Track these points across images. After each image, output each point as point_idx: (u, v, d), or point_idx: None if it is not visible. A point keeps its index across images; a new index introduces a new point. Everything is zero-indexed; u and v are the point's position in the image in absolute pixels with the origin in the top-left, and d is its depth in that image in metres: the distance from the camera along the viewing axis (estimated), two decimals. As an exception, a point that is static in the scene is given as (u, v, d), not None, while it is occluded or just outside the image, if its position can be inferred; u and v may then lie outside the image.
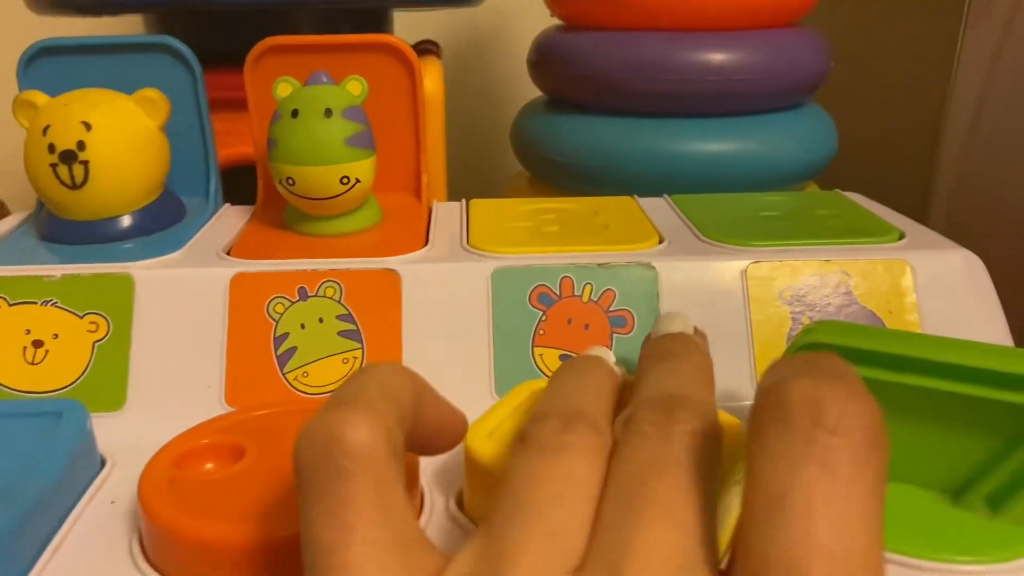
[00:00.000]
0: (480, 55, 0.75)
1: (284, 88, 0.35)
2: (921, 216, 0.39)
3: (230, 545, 0.22)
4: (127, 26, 0.65)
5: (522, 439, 0.20)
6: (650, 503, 0.17)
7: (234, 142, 0.46)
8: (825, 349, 0.25)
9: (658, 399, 0.20)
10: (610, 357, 0.26)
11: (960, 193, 0.50)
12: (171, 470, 0.25)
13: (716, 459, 0.19)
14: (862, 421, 0.16)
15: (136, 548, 0.24)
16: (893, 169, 0.39)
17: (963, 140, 0.51)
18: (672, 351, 0.25)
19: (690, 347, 0.25)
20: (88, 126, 0.34)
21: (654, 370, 0.23)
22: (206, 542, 0.22)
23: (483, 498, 0.25)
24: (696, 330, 0.27)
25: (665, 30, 0.48)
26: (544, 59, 0.54)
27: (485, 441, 0.25)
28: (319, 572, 0.17)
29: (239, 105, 0.45)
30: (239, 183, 0.43)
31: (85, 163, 0.33)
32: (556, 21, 0.55)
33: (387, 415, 0.19)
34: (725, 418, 0.26)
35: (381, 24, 0.53)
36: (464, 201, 0.42)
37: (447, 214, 0.40)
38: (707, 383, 0.23)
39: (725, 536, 0.20)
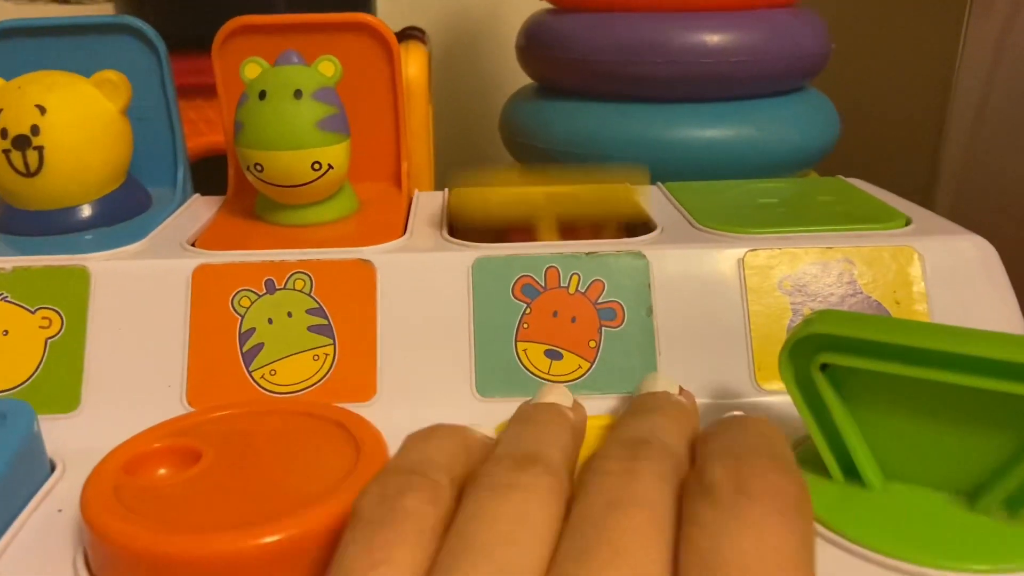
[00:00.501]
0: (470, 44, 0.73)
1: (252, 69, 0.33)
2: (926, 204, 0.37)
3: (179, 559, 0.20)
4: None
5: (474, 479, 0.19)
6: (604, 543, 0.16)
7: (206, 131, 0.44)
8: (828, 340, 0.23)
9: (627, 440, 0.20)
10: (568, 399, 0.25)
11: (966, 180, 0.48)
12: (119, 476, 0.23)
13: (676, 503, 0.18)
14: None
15: (80, 562, 0.22)
16: (897, 156, 0.37)
17: (969, 126, 0.49)
18: (654, 405, 0.24)
19: (671, 402, 0.24)
20: (43, 109, 0.32)
21: (630, 420, 0.23)
22: (153, 556, 0.20)
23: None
24: (681, 390, 0.26)
25: (657, 11, 0.46)
26: (533, 43, 0.52)
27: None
28: None
29: (210, 92, 0.43)
30: (210, 173, 0.41)
31: (39, 149, 0.31)
32: (546, 5, 0.53)
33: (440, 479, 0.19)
34: None
35: (363, 8, 0.51)
36: (447, 190, 0.40)
37: (428, 203, 0.38)
38: (682, 432, 0.22)
39: None
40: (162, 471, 0.24)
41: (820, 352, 0.24)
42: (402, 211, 0.37)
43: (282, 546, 0.21)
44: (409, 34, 0.52)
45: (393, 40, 0.37)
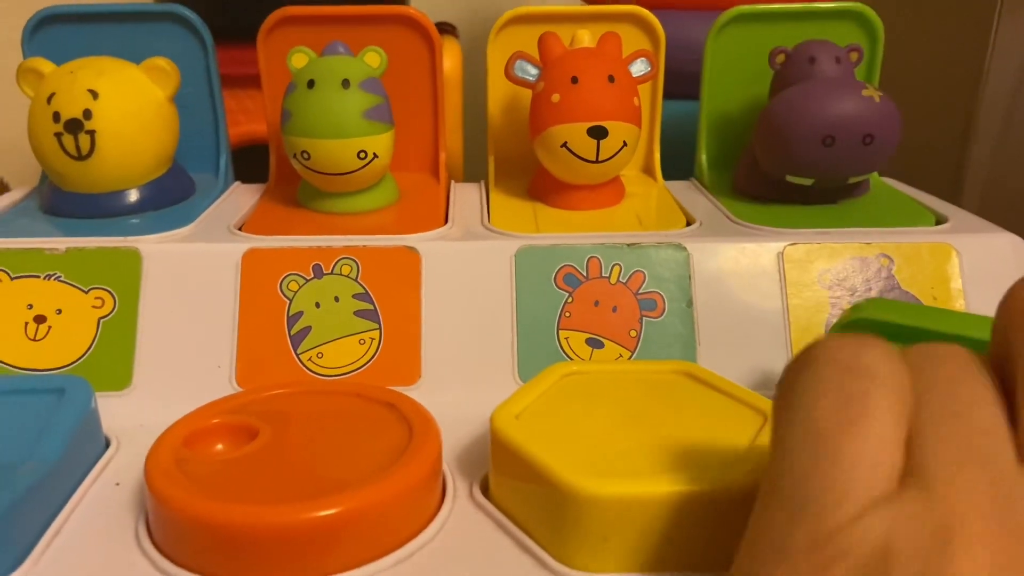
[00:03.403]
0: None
1: (299, 59, 0.34)
2: (952, 202, 0.37)
3: (242, 529, 0.21)
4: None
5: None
6: None
7: (244, 120, 0.45)
8: (875, 326, 0.24)
9: None
10: None
11: (993, 179, 0.49)
12: (180, 450, 0.24)
13: None
14: None
15: (142, 531, 0.23)
16: (923, 154, 0.38)
17: (998, 125, 0.49)
18: None
19: None
20: (95, 94, 0.32)
21: None
22: (217, 525, 0.21)
23: (510, 482, 0.23)
24: None
25: (687, 9, 0.46)
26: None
27: (512, 423, 0.24)
28: (809, 457, 0.15)
29: (248, 82, 0.44)
30: (249, 163, 0.42)
31: (91, 133, 0.32)
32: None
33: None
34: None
35: (398, 0, 0.51)
36: (483, 182, 0.41)
37: (466, 194, 0.39)
38: None
39: None
40: (219, 446, 0.25)
41: (866, 340, 0.24)
42: (441, 201, 0.37)
43: (340, 519, 0.21)
44: (443, 29, 0.52)
45: (435, 33, 0.38)
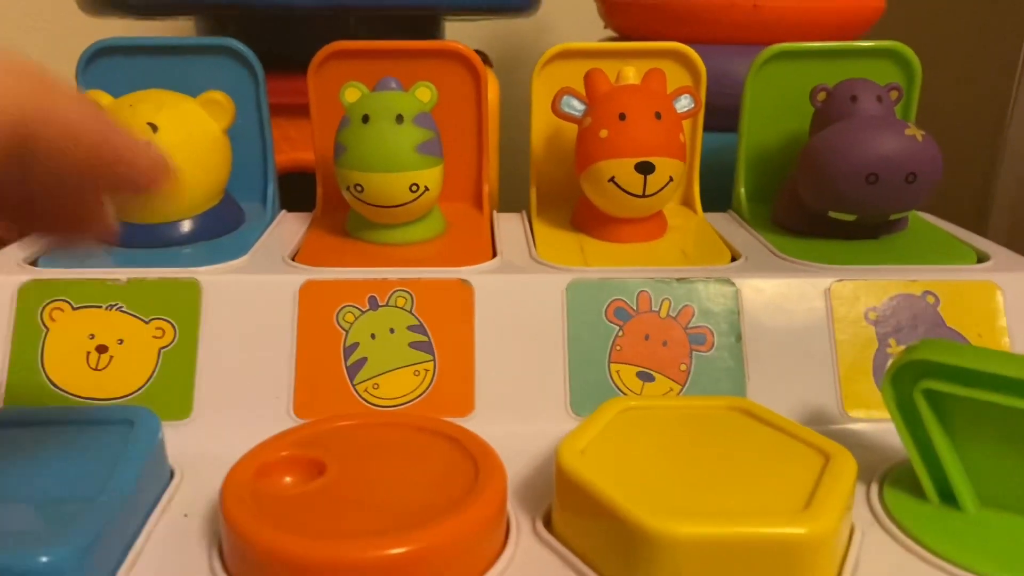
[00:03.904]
0: (520, 67, 0.74)
1: (352, 93, 0.35)
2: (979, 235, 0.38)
3: (323, 563, 0.21)
4: (176, 30, 0.65)
5: None
6: None
7: (286, 148, 0.45)
8: (929, 367, 0.24)
9: None
10: None
11: (1020, 217, 0.49)
12: (252, 483, 0.24)
13: None
14: None
15: (216, 563, 0.23)
16: (949, 191, 0.38)
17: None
18: None
19: None
20: (154, 127, 0.33)
21: None
22: (296, 559, 0.21)
23: (577, 518, 0.24)
24: None
25: (724, 44, 0.47)
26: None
27: (579, 459, 0.24)
28: None
29: (289, 111, 0.44)
30: (289, 190, 0.43)
31: (151, 165, 0.33)
32: (609, 33, 0.55)
33: None
34: (832, 447, 0.25)
35: (433, 33, 0.52)
36: (524, 212, 0.41)
37: (509, 225, 0.39)
38: None
39: None
40: (288, 479, 0.25)
41: (923, 378, 0.25)
42: (486, 232, 0.38)
43: (415, 556, 0.21)
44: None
45: (481, 67, 0.38)
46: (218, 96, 0.35)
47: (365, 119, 0.33)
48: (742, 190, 0.41)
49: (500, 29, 0.74)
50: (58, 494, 0.24)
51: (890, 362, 0.25)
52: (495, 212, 0.41)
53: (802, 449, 0.25)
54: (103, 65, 0.37)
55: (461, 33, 0.65)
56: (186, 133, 0.34)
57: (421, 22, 0.51)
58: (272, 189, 0.39)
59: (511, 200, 0.46)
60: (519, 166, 0.59)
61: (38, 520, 0.23)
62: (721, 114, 0.43)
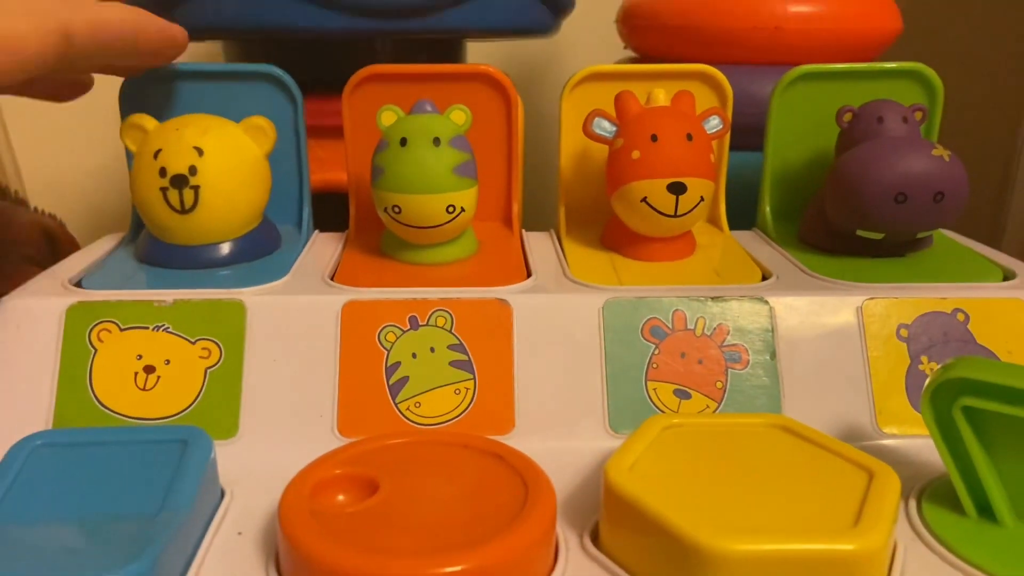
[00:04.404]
0: (537, 87, 0.75)
1: (388, 116, 0.35)
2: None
3: (384, 580, 0.22)
4: (203, 54, 0.66)
5: None
6: None
7: (316, 169, 0.46)
8: (967, 384, 0.25)
9: None
10: None
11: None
12: (309, 501, 0.24)
13: None
14: None
15: (275, 581, 0.24)
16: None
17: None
18: None
19: None
20: (200, 151, 0.33)
21: None
22: (358, 576, 0.22)
23: (627, 535, 0.24)
24: None
25: (746, 64, 0.48)
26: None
27: (627, 476, 0.25)
28: None
29: (320, 132, 0.45)
30: (317, 210, 0.43)
31: (196, 188, 0.33)
32: (628, 53, 0.56)
33: None
34: (875, 464, 0.25)
35: (455, 54, 0.53)
36: (553, 231, 0.42)
37: (539, 244, 0.40)
38: None
39: None
40: (341, 497, 0.26)
41: (961, 396, 0.25)
42: (518, 251, 0.38)
43: (469, 574, 0.22)
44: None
45: (512, 89, 0.39)
46: (261, 122, 0.35)
47: (403, 142, 0.34)
48: (767, 208, 0.42)
49: (519, 49, 0.75)
50: (116, 513, 0.24)
51: (927, 380, 0.26)
52: (523, 231, 0.42)
53: (844, 466, 0.26)
54: (147, 89, 0.38)
55: (480, 53, 0.66)
56: (230, 157, 0.34)
57: (445, 44, 0.52)
58: (307, 211, 0.40)
59: (531, 218, 0.46)
60: (539, 184, 0.60)
61: (100, 540, 0.23)
62: (742, 133, 0.43)
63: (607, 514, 0.25)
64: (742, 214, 0.43)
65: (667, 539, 0.22)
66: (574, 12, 0.52)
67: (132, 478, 0.26)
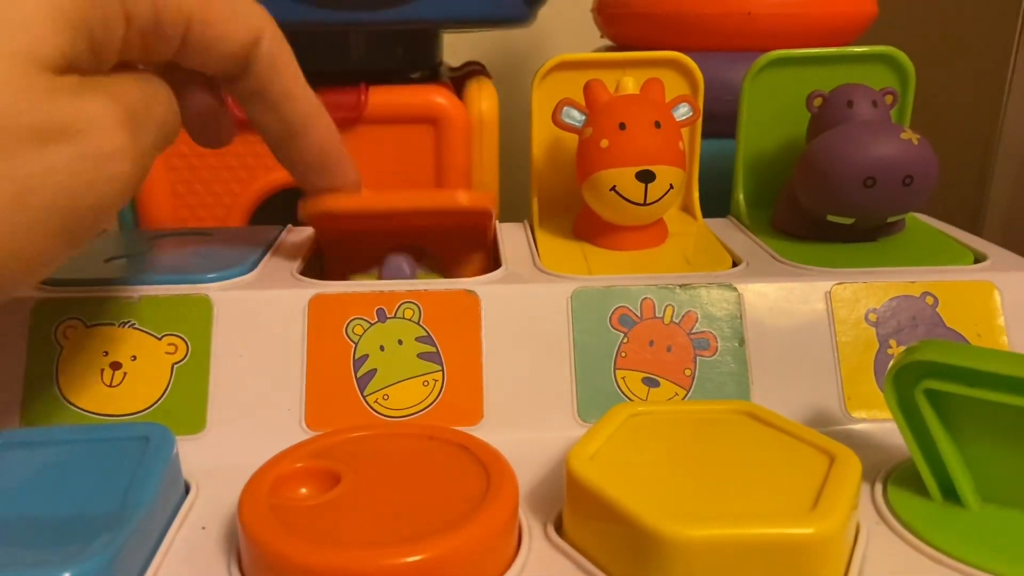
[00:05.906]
0: (515, 77, 0.75)
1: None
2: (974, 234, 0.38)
3: (344, 572, 0.22)
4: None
5: None
6: None
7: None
8: (930, 367, 0.25)
9: None
10: None
11: (1014, 216, 0.50)
12: (270, 495, 0.24)
13: None
14: None
15: (236, 573, 0.24)
16: (944, 191, 0.39)
17: (1019, 160, 0.50)
18: None
19: None
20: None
21: None
22: (318, 569, 0.22)
23: (589, 523, 0.24)
24: None
25: (719, 51, 0.48)
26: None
27: (589, 465, 0.25)
28: None
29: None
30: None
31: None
32: (605, 42, 0.55)
33: None
34: (836, 447, 0.25)
35: (431, 46, 0.53)
36: (526, 222, 0.42)
37: (512, 235, 0.40)
38: None
39: None
40: (303, 490, 0.25)
41: (924, 378, 0.25)
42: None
43: (430, 563, 0.22)
44: (475, 70, 0.54)
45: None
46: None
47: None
48: (741, 196, 0.42)
49: (496, 40, 0.74)
50: (77, 511, 0.24)
51: (891, 363, 0.26)
52: (497, 222, 0.42)
53: (807, 450, 0.25)
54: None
55: (457, 44, 0.66)
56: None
57: (420, 36, 0.52)
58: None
59: (506, 209, 0.46)
60: (516, 176, 0.60)
61: (59, 537, 0.23)
62: (715, 120, 0.43)
63: (569, 503, 0.25)
64: (718, 202, 0.43)
65: (625, 526, 0.22)
66: (551, 2, 0.51)
67: (93, 476, 0.26)
